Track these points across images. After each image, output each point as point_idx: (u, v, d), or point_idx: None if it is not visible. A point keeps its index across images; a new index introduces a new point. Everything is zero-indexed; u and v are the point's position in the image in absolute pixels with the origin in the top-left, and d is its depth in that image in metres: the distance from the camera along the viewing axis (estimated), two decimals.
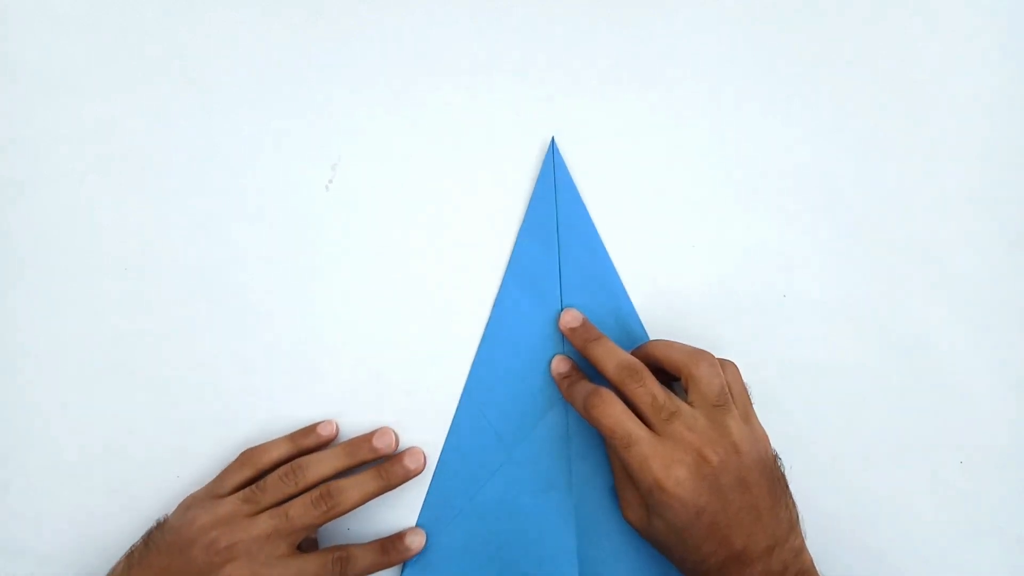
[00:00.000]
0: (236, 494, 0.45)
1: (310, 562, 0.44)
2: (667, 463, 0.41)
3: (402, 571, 0.48)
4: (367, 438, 0.47)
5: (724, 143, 0.50)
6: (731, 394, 0.43)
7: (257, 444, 0.48)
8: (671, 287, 0.50)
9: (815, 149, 0.50)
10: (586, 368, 0.47)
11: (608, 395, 0.43)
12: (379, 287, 0.49)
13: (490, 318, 0.49)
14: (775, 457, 0.44)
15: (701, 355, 0.44)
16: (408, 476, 0.47)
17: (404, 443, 0.49)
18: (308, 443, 0.48)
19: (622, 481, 0.45)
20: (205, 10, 0.50)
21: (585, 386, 0.45)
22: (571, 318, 0.48)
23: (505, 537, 0.47)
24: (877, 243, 0.49)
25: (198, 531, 0.43)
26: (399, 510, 0.48)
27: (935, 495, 0.49)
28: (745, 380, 0.45)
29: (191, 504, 0.45)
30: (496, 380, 0.48)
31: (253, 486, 0.45)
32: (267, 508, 0.44)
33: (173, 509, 0.46)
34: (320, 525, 0.44)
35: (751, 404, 0.44)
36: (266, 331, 0.49)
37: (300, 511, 0.44)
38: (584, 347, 0.46)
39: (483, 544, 0.47)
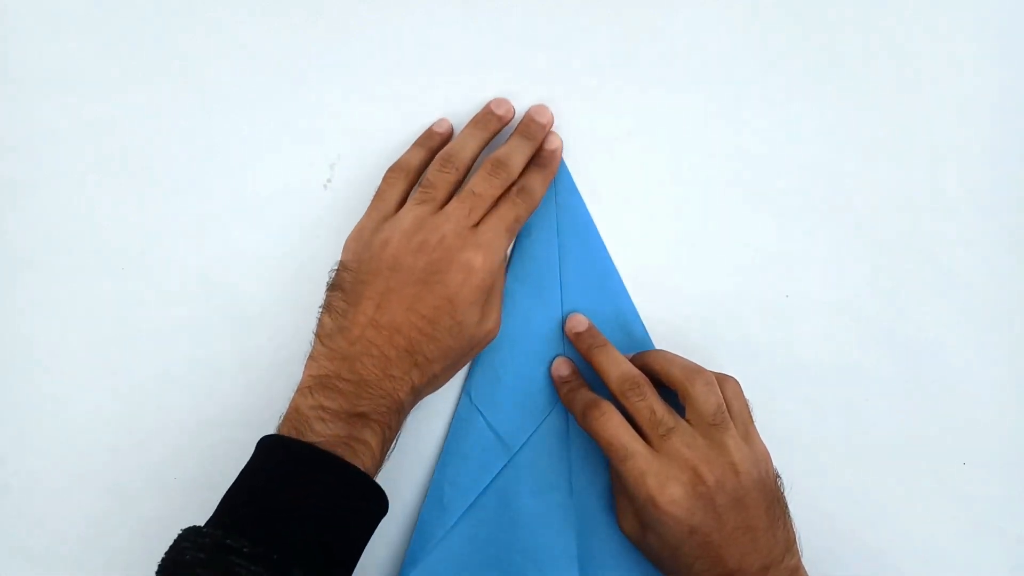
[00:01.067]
0: (409, 202, 0.44)
1: (504, 207, 0.44)
2: (662, 480, 0.41)
3: (401, 574, 0.48)
4: (487, 110, 0.48)
5: (726, 143, 0.50)
6: (730, 412, 0.43)
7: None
8: (673, 287, 0.49)
9: (817, 149, 0.50)
10: (587, 372, 0.47)
11: (607, 407, 0.43)
12: None
13: None
14: (776, 476, 0.43)
15: (697, 373, 0.43)
16: (545, 129, 0.47)
17: (404, 441, 0.49)
18: (435, 144, 0.48)
19: (619, 492, 0.45)
20: (205, 10, 0.50)
21: (585, 395, 0.45)
22: (577, 323, 0.47)
23: (506, 540, 0.47)
24: (880, 243, 0.49)
25: (399, 245, 0.42)
26: (396, 504, 0.48)
27: (936, 495, 0.48)
28: (747, 391, 0.45)
29: (365, 235, 0.44)
30: (496, 381, 0.48)
31: (419, 189, 0.44)
32: (443, 202, 0.44)
33: (339, 255, 0.45)
34: (502, 191, 0.45)
35: (752, 422, 0.44)
36: (266, 331, 0.49)
37: (484, 185, 0.44)
38: (588, 353, 0.46)
39: (483, 547, 0.47)
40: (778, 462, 0.44)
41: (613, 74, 0.50)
